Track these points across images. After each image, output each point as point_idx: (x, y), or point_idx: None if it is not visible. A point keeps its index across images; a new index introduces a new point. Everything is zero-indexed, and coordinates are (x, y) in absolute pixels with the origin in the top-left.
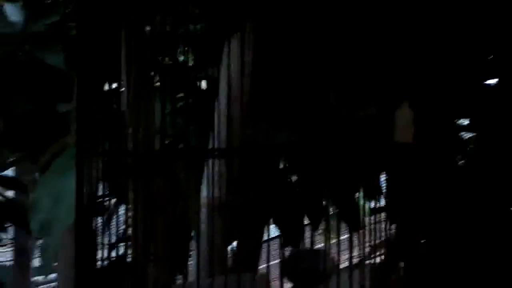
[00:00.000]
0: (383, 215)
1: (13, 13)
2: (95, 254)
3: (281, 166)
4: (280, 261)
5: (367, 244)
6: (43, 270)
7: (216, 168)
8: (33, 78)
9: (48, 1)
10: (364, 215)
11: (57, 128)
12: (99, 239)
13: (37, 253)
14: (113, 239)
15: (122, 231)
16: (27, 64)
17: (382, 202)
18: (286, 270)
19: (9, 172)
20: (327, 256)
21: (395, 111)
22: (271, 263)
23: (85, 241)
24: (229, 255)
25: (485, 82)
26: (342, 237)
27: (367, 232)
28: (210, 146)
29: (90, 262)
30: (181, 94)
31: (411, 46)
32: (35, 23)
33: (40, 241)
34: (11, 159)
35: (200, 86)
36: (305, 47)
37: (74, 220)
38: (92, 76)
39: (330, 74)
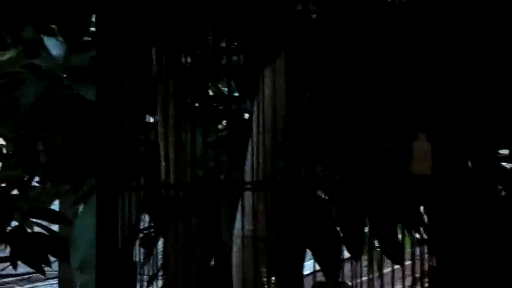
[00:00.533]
0: (426, 248)
1: (54, 47)
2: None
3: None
4: None
5: (409, 277)
6: None
7: (250, 201)
8: (73, 111)
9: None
10: (406, 247)
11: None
12: (139, 271)
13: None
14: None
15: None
16: (67, 98)
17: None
18: None
19: (54, 205)
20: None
21: (411, 142)
22: None
23: (124, 274)
24: None
25: None
26: (385, 270)
27: (409, 265)
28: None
29: None
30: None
31: (434, 76)
32: (75, 57)
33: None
34: (55, 193)
35: (241, 117)
36: (335, 77)
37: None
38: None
39: (358, 105)
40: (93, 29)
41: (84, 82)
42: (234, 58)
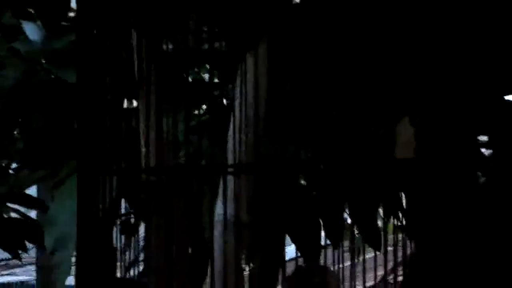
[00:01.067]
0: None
1: (32, 31)
2: (115, 272)
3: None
4: (285, 278)
5: (389, 263)
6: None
7: (231, 185)
8: (52, 95)
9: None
10: (387, 233)
11: (74, 145)
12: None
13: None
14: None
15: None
16: (46, 82)
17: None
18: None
19: (31, 191)
20: (332, 273)
21: (395, 126)
22: None
23: (103, 257)
24: (245, 275)
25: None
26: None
27: (390, 251)
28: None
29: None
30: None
31: (420, 59)
32: (53, 41)
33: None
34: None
35: (221, 102)
36: (318, 63)
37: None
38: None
39: (340, 90)
40: (71, 14)
41: (65, 66)
42: (216, 43)
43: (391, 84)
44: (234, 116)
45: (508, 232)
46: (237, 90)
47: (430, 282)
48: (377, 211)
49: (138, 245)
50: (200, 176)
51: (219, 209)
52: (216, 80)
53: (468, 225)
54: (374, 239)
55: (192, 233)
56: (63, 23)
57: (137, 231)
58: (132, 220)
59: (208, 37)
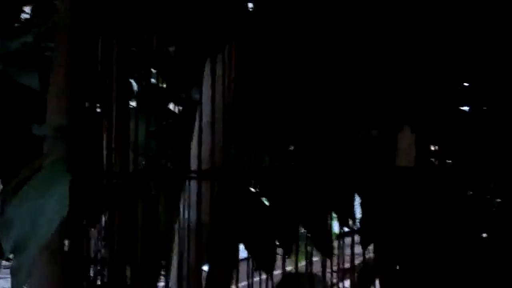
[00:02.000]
0: (350, 239)
1: None
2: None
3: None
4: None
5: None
6: None
7: (193, 190)
8: (6, 98)
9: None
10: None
11: (31, 149)
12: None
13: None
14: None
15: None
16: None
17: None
18: None
19: None
20: (322, 281)
21: (397, 134)
22: (241, 284)
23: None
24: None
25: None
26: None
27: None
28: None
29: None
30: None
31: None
32: (7, 42)
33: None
34: None
35: (180, 108)
36: (294, 67)
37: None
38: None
39: (319, 95)
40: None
41: (18, 68)
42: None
43: (389, 91)
44: (197, 120)
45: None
46: (201, 95)
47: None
48: (328, 218)
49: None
50: (162, 181)
51: (182, 213)
52: (164, 86)
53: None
54: (325, 246)
55: (151, 238)
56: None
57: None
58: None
59: (173, 39)
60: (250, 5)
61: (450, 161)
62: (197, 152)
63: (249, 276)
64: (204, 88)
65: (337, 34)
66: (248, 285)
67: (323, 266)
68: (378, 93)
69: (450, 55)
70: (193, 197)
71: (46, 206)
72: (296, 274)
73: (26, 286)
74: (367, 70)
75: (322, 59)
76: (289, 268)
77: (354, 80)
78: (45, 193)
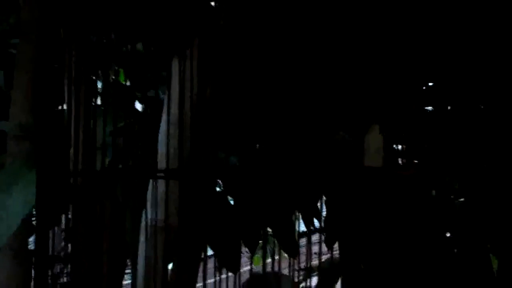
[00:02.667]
0: (315, 238)
1: None
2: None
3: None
4: (242, 285)
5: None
6: None
7: (160, 190)
8: None
9: None
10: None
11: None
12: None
13: None
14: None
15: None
16: None
17: (316, 224)
18: None
19: None
20: (290, 280)
21: (365, 134)
22: (208, 281)
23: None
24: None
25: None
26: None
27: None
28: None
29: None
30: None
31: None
32: None
33: None
34: None
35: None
36: (260, 66)
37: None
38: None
39: (286, 95)
40: None
41: None
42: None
43: (357, 90)
44: (163, 119)
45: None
46: (166, 93)
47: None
48: (292, 215)
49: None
50: (129, 180)
51: (148, 213)
52: (128, 83)
53: (388, 232)
54: (290, 245)
55: (115, 236)
56: None
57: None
58: None
59: (138, 36)
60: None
61: (416, 161)
62: (164, 151)
63: (216, 274)
64: (172, 86)
65: (304, 31)
66: (215, 282)
67: (289, 265)
68: (346, 92)
69: (415, 55)
70: (160, 196)
71: (8, 204)
72: (263, 273)
73: None
74: (335, 70)
75: (288, 57)
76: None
77: (322, 80)
78: (8, 191)
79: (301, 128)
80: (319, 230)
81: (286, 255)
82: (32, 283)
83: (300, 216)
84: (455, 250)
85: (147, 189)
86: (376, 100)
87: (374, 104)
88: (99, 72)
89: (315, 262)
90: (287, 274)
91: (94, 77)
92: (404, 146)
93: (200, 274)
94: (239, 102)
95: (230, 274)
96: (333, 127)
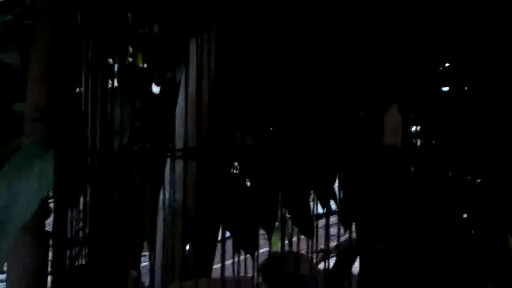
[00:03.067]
0: (333, 219)
1: None
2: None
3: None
4: (261, 265)
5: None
6: None
7: (177, 170)
8: None
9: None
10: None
11: (12, 127)
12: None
13: None
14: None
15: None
16: None
17: (333, 206)
18: (267, 274)
19: None
20: (309, 260)
21: (383, 114)
22: (226, 262)
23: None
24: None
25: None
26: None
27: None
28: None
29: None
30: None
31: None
32: None
33: None
34: None
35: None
36: (278, 46)
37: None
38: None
39: (303, 74)
40: None
41: (5, 47)
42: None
43: (375, 70)
44: (180, 100)
45: (438, 219)
46: (184, 73)
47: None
48: (309, 199)
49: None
50: (147, 159)
51: (166, 194)
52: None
53: (403, 213)
54: (307, 226)
55: (132, 217)
56: None
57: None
58: None
59: (156, 18)
60: None
61: (434, 142)
62: (182, 131)
63: (235, 255)
64: (190, 66)
65: (324, 14)
66: (233, 263)
67: (308, 247)
68: (364, 71)
69: (433, 34)
70: (178, 177)
71: (25, 186)
72: (282, 253)
73: (6, 267)
74: (354, 48)
75: (307, 38)
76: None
77: (340, 58)
78: (25, 173)
79: (317, 107)
80: (337, 212)
81: (304, 236)
82: (49, 265)
83: (317, 198)
84: (472, 231)
85: (164, 170)
86: (395, 79)
87: (392, 83)
88: (116, 55)
89: (333, 243)
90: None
91: (111, 60)
92: (420, 127)
93: (218, 255)
94: (256, 81)
95: (248, 255)
96: (351, 106)
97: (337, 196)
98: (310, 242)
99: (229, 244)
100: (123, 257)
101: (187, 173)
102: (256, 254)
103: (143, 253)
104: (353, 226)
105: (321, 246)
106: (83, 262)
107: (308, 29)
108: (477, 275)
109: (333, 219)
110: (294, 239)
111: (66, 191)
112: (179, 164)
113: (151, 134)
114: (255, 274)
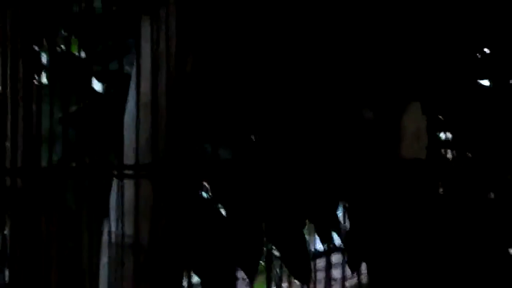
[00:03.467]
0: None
1: None
2: None
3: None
4: None
5: None
6: None
7: (126, 193)
8: None
9: None
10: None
11: None
12: None
13: None
14: None
15: None
16: None
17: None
18: None
19: None
20: None
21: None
22: None
23: None
24: None
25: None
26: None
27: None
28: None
29: None
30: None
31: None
32: None
33: None
34: None
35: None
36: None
37: None
38: None
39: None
40: None
41: None
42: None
43: (390, 56)
44: (129, 102)
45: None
46: (135, 65)
47: None
48: (303, 230)
49: None
50: (85, 179)
51: (111, 225)
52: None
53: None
54: (301, 267)
55: (66, 257)
56: None
57: None
58: None
59: None
60: None
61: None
62: (133, 142)
63: None
64: (142, 56)
65: None
66: None
67: None
68: (373, 58)
69: (466, 15)
70: (128, 202)
71: None
72: None
73: None
74: (361, 33)
75: (300, 17)
76: None
77: (338, 43)
78: None
79: (313, 106)
80: (340, 249)
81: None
82: None
83: (314, 229)
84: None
85: (109, 193)
86: (416, 70)
87: (412, 74)
88: (44, 40)
89: None
90: None
91: (36, 48)
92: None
93: None
94: (230, 77)
95: None
96: (356, 105)
97: (341, 227)
98: None
99: None
100: None
101: (139, 197)
102: None
103: None
104: (363, 267)
105: None
106: None
107: (296, 14)
108: None
109: (336, 257)
110: (284, 285)
111: None
112: (129, 185)
113: (91, 145)
114: None
